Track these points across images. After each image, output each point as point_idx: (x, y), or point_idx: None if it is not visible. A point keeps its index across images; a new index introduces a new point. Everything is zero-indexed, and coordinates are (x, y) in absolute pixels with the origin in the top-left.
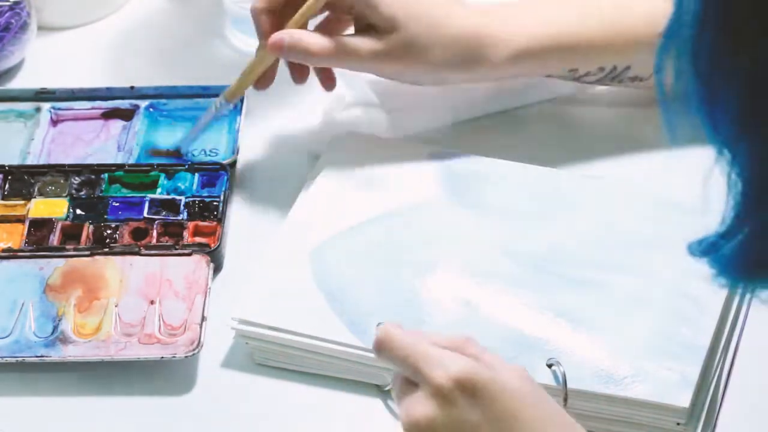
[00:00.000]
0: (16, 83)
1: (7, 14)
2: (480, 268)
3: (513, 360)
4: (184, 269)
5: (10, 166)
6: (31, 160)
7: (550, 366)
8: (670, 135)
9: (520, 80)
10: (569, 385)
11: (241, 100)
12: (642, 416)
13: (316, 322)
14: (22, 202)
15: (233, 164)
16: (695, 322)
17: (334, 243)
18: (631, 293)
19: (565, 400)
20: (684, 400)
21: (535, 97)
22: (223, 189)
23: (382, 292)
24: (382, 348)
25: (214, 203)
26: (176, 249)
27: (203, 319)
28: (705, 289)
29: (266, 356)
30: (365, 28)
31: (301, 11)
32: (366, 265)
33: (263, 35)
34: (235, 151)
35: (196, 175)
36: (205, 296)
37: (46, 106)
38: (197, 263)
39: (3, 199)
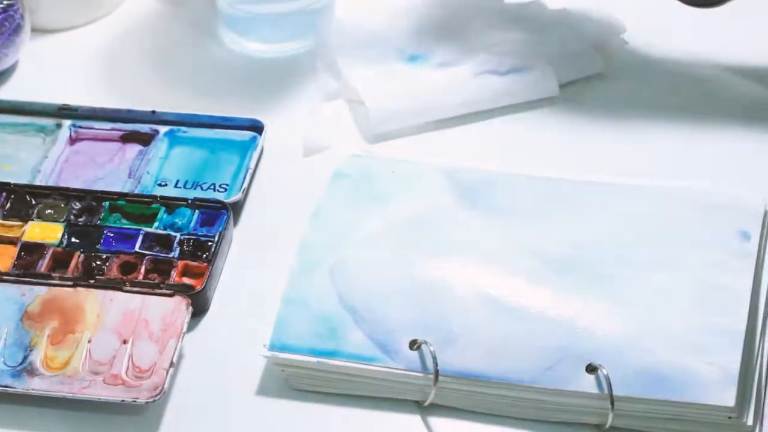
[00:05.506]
0: (10, 86)
1: (0, 16)
2: (505, 269)
3: (552, 368)
4: (162, 310)
5: (14, 185)
6: (40, 179)
7: (593, 370)
8: None
9: (504, 80)
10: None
11: (256, 136)
12: (692, 413)
13: (346, 346)
14: (19, 223)
15: (237, 203)
16: (728, 310)
17: (351, 258)
18: (661, 289)
19: (612, 404)
20: (729, 398)
21: (517, 98)
22: (220, 229)
23: (407, 303)
24: None
25: (209, 243)
26: (160, 288)
27: (171, 365)
28: (732, 278)
29: (302, 381)
30: None
31: None
32: (387, 278)
33: None
34: (241, 189)
35: (197, 212)
36: (178, 341)
37: (67, 122)
38: (177, 305)
39: (2, 218)
